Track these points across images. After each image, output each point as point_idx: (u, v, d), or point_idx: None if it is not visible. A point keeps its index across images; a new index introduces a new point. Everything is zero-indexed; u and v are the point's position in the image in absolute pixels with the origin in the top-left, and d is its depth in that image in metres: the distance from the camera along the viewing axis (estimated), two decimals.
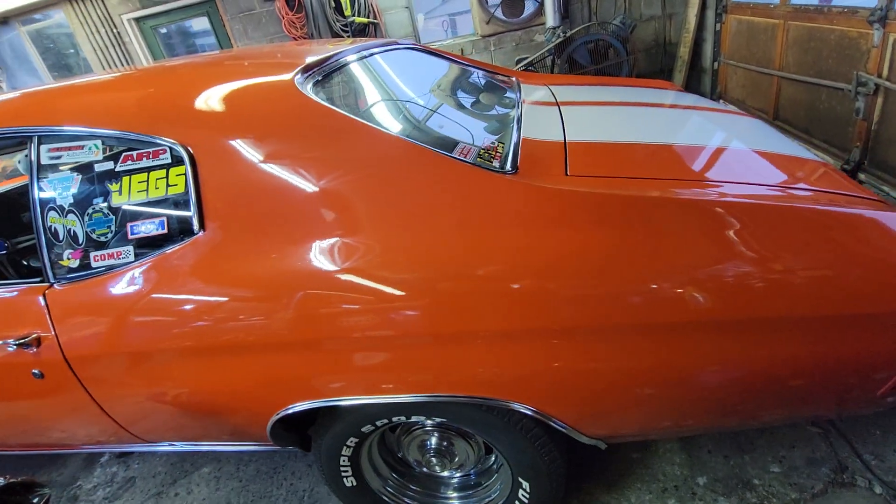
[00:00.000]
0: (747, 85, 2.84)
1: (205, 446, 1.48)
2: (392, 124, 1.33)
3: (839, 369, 0.98)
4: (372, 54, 1.75)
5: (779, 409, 1.12)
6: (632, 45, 3.53)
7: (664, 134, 1.43)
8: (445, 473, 1.45)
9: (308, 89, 1.15)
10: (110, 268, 1.18)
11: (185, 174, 1.11)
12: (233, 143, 1.09)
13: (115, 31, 4.64)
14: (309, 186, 1.05)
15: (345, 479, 1.38)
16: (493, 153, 1.21)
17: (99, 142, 1.18)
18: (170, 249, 1.13)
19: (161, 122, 1.12)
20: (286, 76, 1.14)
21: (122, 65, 4.78)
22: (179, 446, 1.48)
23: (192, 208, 1.10)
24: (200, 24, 4.67)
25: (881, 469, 1.48)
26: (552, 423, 1.10)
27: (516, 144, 1.29)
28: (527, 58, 3.75)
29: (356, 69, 1.61)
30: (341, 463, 1.34)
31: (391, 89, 1.69)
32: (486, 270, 0.97)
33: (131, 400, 1.28)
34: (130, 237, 1.18)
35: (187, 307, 1.12)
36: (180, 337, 1.12)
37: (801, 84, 2.19)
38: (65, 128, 1.19)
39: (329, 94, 1.27)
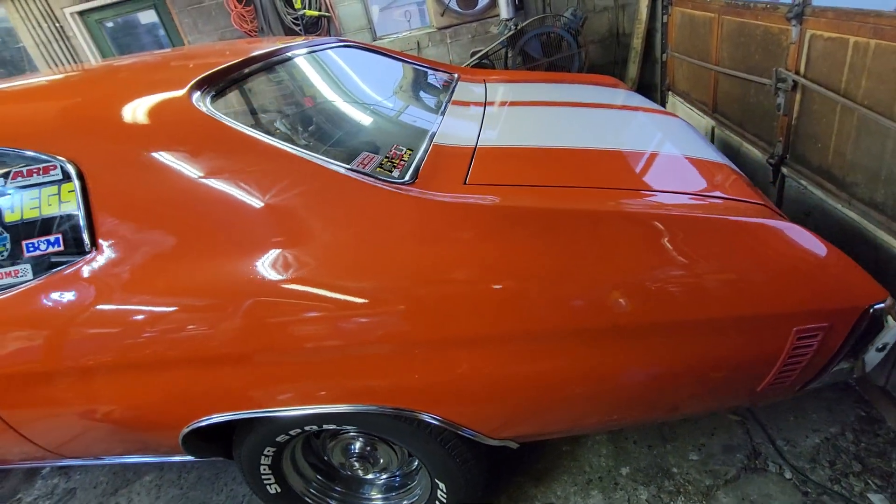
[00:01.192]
0: (691, 78, 2.88)
1: (129, 459, 1.47)
2: (293, 135, 1.31)
3: (721, 368, 1.01)
4: (297, 56, 1.72)
5: (672, 407, 1.16)
6: (583, 38, 3.53)
7: (583, 137, 1.44)
8: (370, 476, 1.47)
9: (203, 102, 1.12)
10: (9, 286, 1.16)
11: (75, 192, 1.08)
12: (123, 159, 1.06)
13: (57, 25, 4.45)
14: (195, 203, 1.03)
15: (268, 487, 1.39)
16: (397, 162, 1.21)
17: None
18: (66, 267, 1.11)
19: (49, 138, 1.09)
20: (179, 91, 1.11)
21: (67, 60, 4.60)
22: (108, 460, 1.47)
23: (83, 225, 1.08)
24: (149, 17, 4.51)
25: (792, 454, 1.55)
26: (459, 431, 1.13)
27: (424, 151, 1.29)
28: (481, 50, 3.73)
29: (274, 74, 1.58)
30: (262, 472, 1.35)
31: (309, 95, 1.67)
32: (375, 283, 0.98)
33: (40, 419, 1.26)
34: (27, 255, 1.15)
35: (84, 324, 1.10)
36: (80, 354, 1.11)
37: (734, 79, 2.23)
38: None
39: (230, 104, 1.25)
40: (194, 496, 1.85)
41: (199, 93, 1.15)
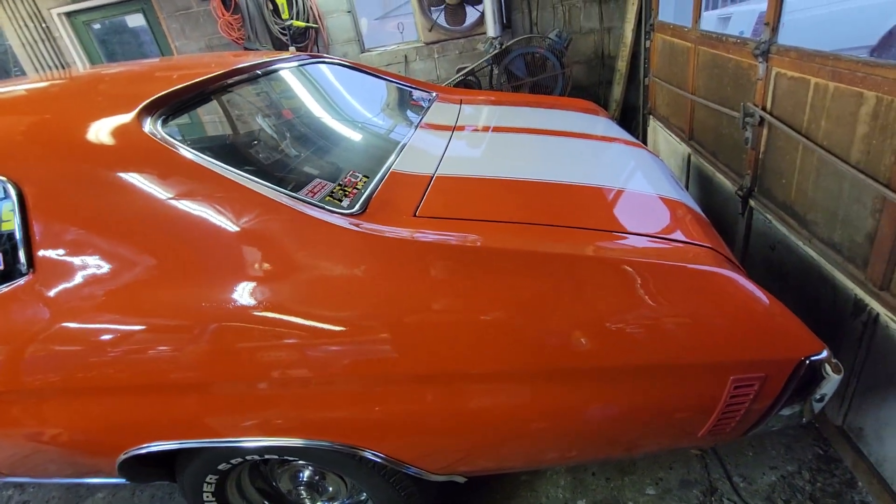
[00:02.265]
0: (671, 104, 2.90)
1: (70, 480, 1.44)
2: (248, 159, 1.30)
3: (660, 412, 1.01)
4: (266, 73, 1.71)
5: (616, 446, 1.15)
6: (568, 59, 3.56)
7: (545, 169, 1.43)
8: None
9: (154, 125, 1.11)
10: None
11: (14, 212, 1.06)
12: (67, 182, 1.05)
13: (44, 25, 4.42)
14: (135, 227, 1.01)
15: None
16: (350, 190, 1.20)
17: None
18: (5, 286, 1.08)
19: None
20: (127, 115, 1.09)
21: (53, 60, 4.57)
22: (57, 480, 1.43)
23: (21, 248, 1.06)
24: (136, 21, 4.49)
25: (748, 492, 1.54)
26: (402, 469, 1.11)
27: (380, 179, 1.28)
28: (467, 66, 3.75)
29: (238, 93, 1.57)
30: (205, 499, 1.32)
31: (273, 116, 1.65)
32: (311, 316, 0.96)
33: None
34: None
35: (22, 344, 1.07)
36: (18, 376, 1.08)
37: (709, 108, 2.25)
38: None
39: (186, 126, 1.24)
40: None
41: (150, 116, 1.13)
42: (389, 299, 0.95)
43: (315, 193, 1.13)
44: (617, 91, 3.92)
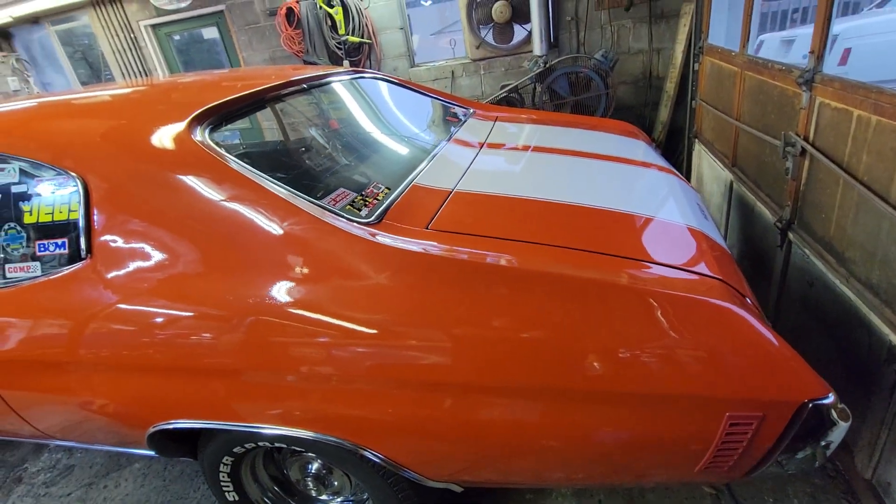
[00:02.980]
0: (716, 128, 2.81)
1: (111, 448, 1.59)
2: (279, 168, 1.40)
3: (656, 442, 1.00)
4: (313, 87, 1.84)
5: (616, 472, 1.14)
6: (613, 80, 3.53)
7: (569, 190, 1.44)
8: (323, 497, 1.51)
9: (201, 133, 1.24)
10: (22, 279, 1.30)
11: (79, 203, 1.21)
12: (123, 180, 1.19)
13: (132, 35, 4.91)
14: (179, 224, 1.14)
15: (226, 494, 1.46)
16: (370, 200, 1.28)
17: (17, 165, 1.30)
18: (66, 269, 1.24)
19: (64, 154, 1.24)
20: (181, 123, 1.23)
21: (138, 67, 5.06)
22: (97, 446, 1.59)
23: (83, 235, 1.21)
24: (211, 33, 4.90)
25: None
26: (399, 472, 1.15)
27: (400, 192, 1.35)
28: (511, 84, 3.80)
29: (284, 104, 1.70)
30: (221, 479, 1.42)
31: (313, 127, 1.77)
32: (322, 317, 1.04)
33: (34, 401, 1.39)
34: (38, 254, 1.30)
35: (78, 320, 1.22)
36: (72, 348, 1.23)
37: (752, 135, 2.17)
38: None
39: (228, 135, 1.37)
40: (174, 490, 1.95)
41: (200, 124, 1.26)
42: (400, 307, 1.01)
43: (337, 202, 1.22)
44: (664, 113, 3.83)
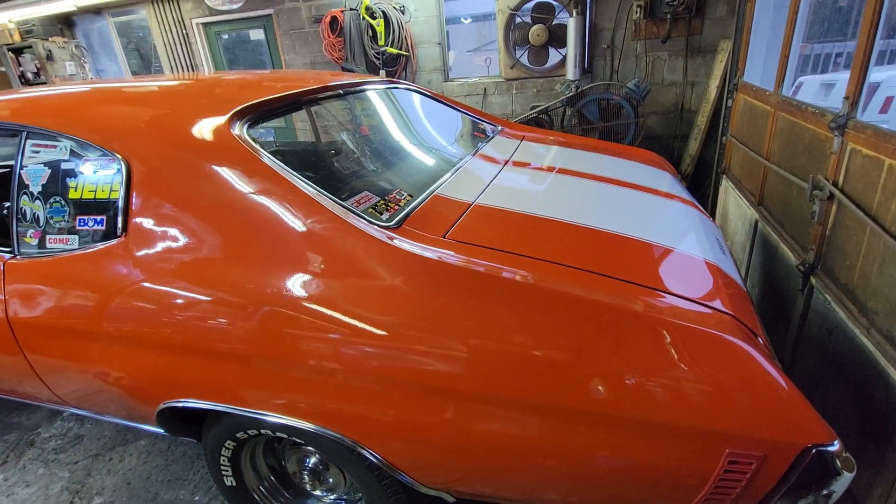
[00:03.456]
0: (744, 165, 2.79)
1: (123, 422, 1.64)
2: (310, 166, 1.45)
3: (654, 472, 0.99)
4: (349, 93, 1.91)
5: (610, 501, 1.13)
6: (643, 109, 3.54)
7: (588, 214, 1.45)
8: (317, 492, 1.53)
9: (240, 128, 1.30)
10: (59, 251, 1.38)
11: (121, 183, 1.29)
12: (164, 166, 1.26)
13: (184, 32, 5.16)
14: (211, 212, 1.19)
15: (225, 478, 1.49)
16: (392, 206, 1.32)
17: (68, 144, 1.39)
18: (102, 244, 1.31)
19: (112, 136, 1.32)
20: (222, 117, 1.30)
21: (186, 61, 5.30)
22: (109, 418, 1.65)
23: (120, 214, 1.28)
24: (257, 34, 5.11)
25: None
26: (394, 475, 1.17)
27: (422, 200, 1.39)
28: (541, 105, 3.84)
29: (320, 107, 1.77)
30: (222, 462, 1.45)
31: (347, 131, 1.84)
32: (334, 314, 1.07)
33: (56, 367, 1.46)
34: (77, 228, 1.38)
35: (107, 294, 1.29)
36: (97, 320, 1.29)
37: (781, 176, 2.15)
38: (46, 129, 1.41)
39: (266, 132, 1.43)
40: (174, 470, 2.00)
41: (239, 120, 1.33)
42: (412, 310, 1.04)
43: (360, 204, 1.26)
44: (694, 146, 3.81)
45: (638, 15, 3.70)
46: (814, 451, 0.87)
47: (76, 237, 1.37)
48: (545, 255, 1.17)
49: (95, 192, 1.36)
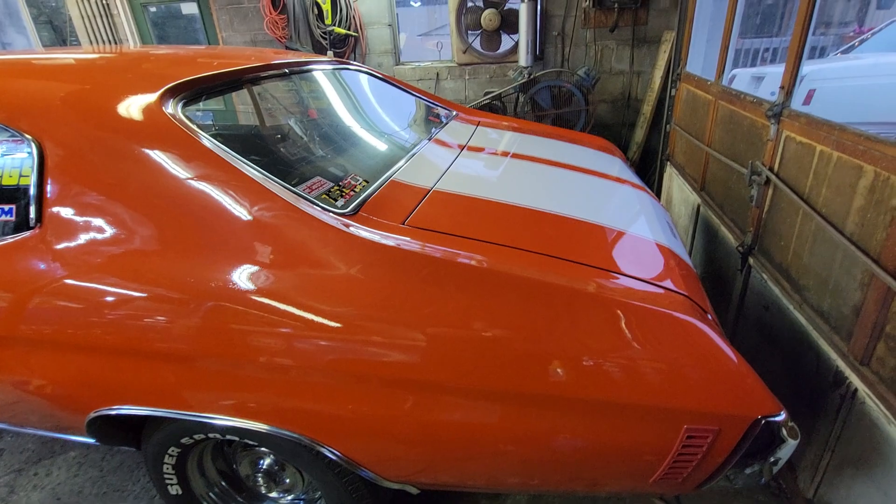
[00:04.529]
0: (687, 153, 2.92)
1: (47, 433, 1.48)
2: (255, 150, 1.35)
3: (614, 451, 1.01)
4: (294, 72, 1.79)
5: (578, 481, 1.15)
6: (593, 97, 3.62)
7: (543, 198, 1.46)
8: (273, 495, 1.45)
9: (174, 106, 1.18)
10: None
11: (32, 168, 1.13)
12: (85, 148, 1.12)
13: (104, 2, 4.68)
14: (140, 198, 1.07)
15: (169, 487, 1.38)
16: (347, 192, 1.25)
17: None
18: (12, 237, 1.16)
19: (19, 114, 1.15)
20: (152, 94, 1.17)
21: (108, 36, 4.82)
22: (29, 430, 1.48)
23: (33, 203, 1.13)
24: (190, 9, 4.72)
25: None
26: (356, 471, 1.12)
27: (379, 185, 1.33)
28: (494, 91, 3.83)
29: (264, 86, 1.65)
30: (165, 471, 1.35)
31: (291, 112, 1.73)
32: (289, 306, 1.00)
33: None
34: None
35: (19, 293, 1.14)
36: (11, 323, 1.14)
37: (721, 163, 2.26)
38: None
39: (203, 112, 1.31)
40: (111, 481, 1.84)
41: (173, 98, 1.20)
42: (370, 301, 0.99)
43: (312, 190, 1.18)
44: (639, 134, 3.95)
45: (587, 3, 3.76)
46: (763, 421, 0.92)
47: None
48: (503, 239, 1.16)
49: (1, 178, 1.19)
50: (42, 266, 1.12)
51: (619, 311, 0.98)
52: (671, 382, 0.94)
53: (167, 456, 1.31)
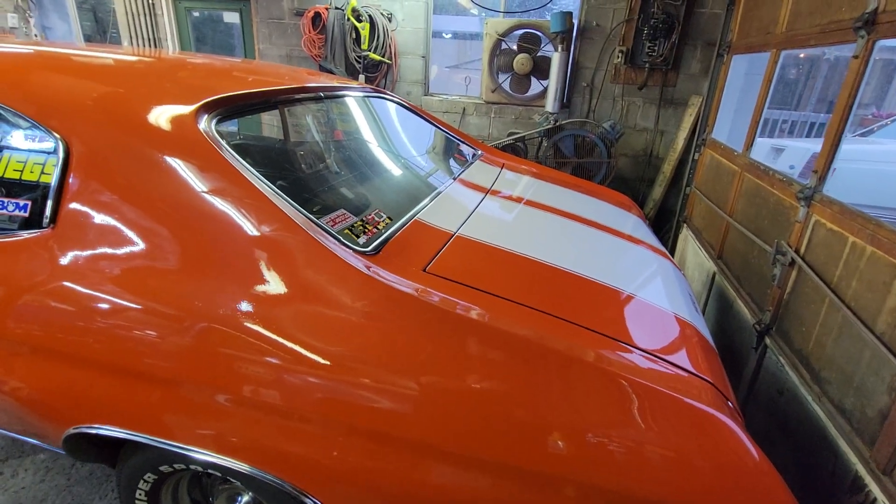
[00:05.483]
0: (706, 218, 2.90)
1: (18, 436, 1.41)
2: (283, 173, 1.33)
3: None
4: (330, 97, 1.79)
5: None
6: (615, 150, 3.64)
7: (568, 257, 1.41)
8: None
9: (207, 122, 1.16)
10: None
11: (56, 166, 1.11)
12: (113, 153, 1.09)
13: (150, 1, 4.81)
14: (162, 211, 1.04)
15: None
16: (370, 228, 1.22)
17: None
18: (23, 233, 1.12)
19: (52, 112, 1.13)
20: (188, 107, 1.15)
21: (148, 34, 4.93)
22: (4, 432, 1.41)
23: (50, 201, 1.10)
24: (232, 17, 4.84)
25: None
26: None
27: (402, 224, 1.30)
28: (518, 133, 3.86)
29: (299, 108, 1.65)
30: (137, 496, 1.27)
31: (324, 139, 1.72)
32: (296, 345, 0.95)
33: None
34: None
35: (19, 292, 1.09)
36: (4, 320, 1.10)
37: (742, 234, 2.24)
38: None
39: (235, 131, 1.29)
40: (77, 492, 1.75)
41: (208, 113, 1.19)
42: (377, 349, 0.94)
43: (336, 223, 1.15)
44: (658, 192, 3.96)
45: (619, 59, 3.83)
46: None
47: None
48: (518, 296, 1.11)
49: (22, 171, 1.16)
50: (48, 266, 1.08)
51: (641, 395, 0.92)
52: (690, 479, 0.88)
53: (142, 481, 1.23)
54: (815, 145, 5.32)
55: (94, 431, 1.09)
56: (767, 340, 1.87)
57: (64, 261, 1.07)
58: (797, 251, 1.73)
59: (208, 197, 1.04)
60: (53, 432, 1.16)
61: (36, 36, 5.19)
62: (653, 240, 1.91)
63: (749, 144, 2.39)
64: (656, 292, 1.39)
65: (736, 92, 3.08)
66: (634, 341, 1.08)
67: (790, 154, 5.16)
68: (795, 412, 1.62)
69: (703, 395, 0.98)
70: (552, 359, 0.94)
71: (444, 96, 4.49)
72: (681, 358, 1.10)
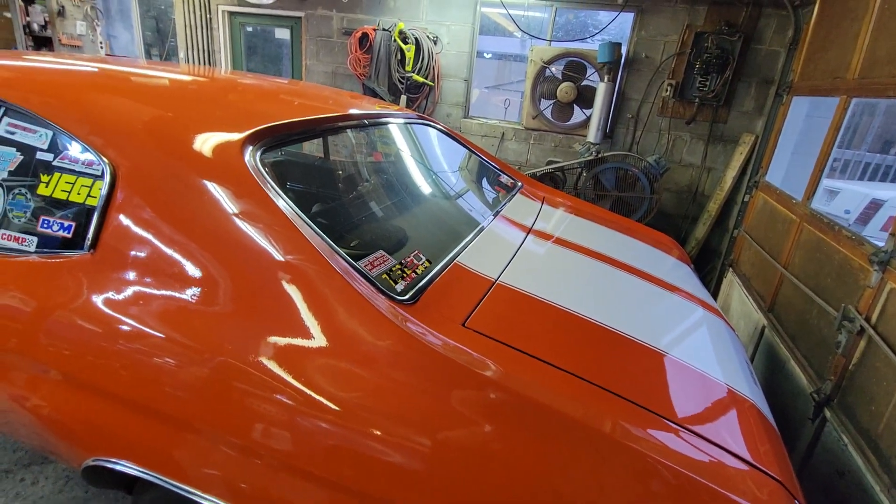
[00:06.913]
0: (756, 265, 2.73)
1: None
2: (324, 207, 1.30)
3: None
4: (376, 124, 1.76)
5: None
6: (659, 185, 3.50)
7: (615, 313, 1.31)
8: None
9: (252, 154, 1.14)
10: (10, 250, 1.18)
11: (102, 190, 1.10)
12: (160, 181, 1.08)
13: (208, 16, 5.01)
14: (205, 243, 1.02)
15: None
16: (409, 273, 1.16)
17: (50, 132, 1.20)
18: (63, 254, 1.12)
19: (102, 135, 1.13)
20: (235, 136, 1.14)
21: (203, 46, 5.13)
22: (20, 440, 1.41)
23: (93, 225, 1.09)
24: (283, 34, 4.99)
25: None
26: None
27: (442, 269, 1.24)
28: (558, 162, 3.78)
29: (342, 139, 1.63)
30: None
31: (366, 170, 1.69)
32: (316, 395, 0.89)
33: None
34: (38, 229, 1.18)
35: (54, 314, 1.09)
36: (36, 340, 1.09)
37: (798, 290, 2.08)
38: (28, 110, 1.22)
39: (280, 162, 1.27)
40: None
41: (253, 144, 1.16)
42: (405, 409, 0.87)
43: (374, 266, 1.10)
44: (701, 230, 3.78)
45: (668, 93, 3.71)
46: None
47: (34, 239, 1.17)
48: (562, 361, 1.02)
49: (70, 193, 1.17)
50: (84, 290, 1.07)
51: (692, 490, 0.82)
52: None
53: None
54: (874, 190, 5.00)
55: (111, 465, 1.05)
56: (827, 413, 1.70)
57: (99, 286, 1.05)
58: (867, 319, 1.58)
59: (247, 230, 1.01)
60: (74, 458, 1.14)
61: (101, 44, 5.48)
62: (702, 291, 1.78)
63: (811, 193, 2.23)
64: (706, 359, 1.27)
65: (794, 135, 2.92)
66: (684, 420, 0.97)
67: (845, 197, 4.87)
68: (859, 499, 1.45)
69: (770, 497, 0.86)
70: (591, 438, 0.86)
71: (484, 120, 4.46)
72: (740, 446, 0.98)
